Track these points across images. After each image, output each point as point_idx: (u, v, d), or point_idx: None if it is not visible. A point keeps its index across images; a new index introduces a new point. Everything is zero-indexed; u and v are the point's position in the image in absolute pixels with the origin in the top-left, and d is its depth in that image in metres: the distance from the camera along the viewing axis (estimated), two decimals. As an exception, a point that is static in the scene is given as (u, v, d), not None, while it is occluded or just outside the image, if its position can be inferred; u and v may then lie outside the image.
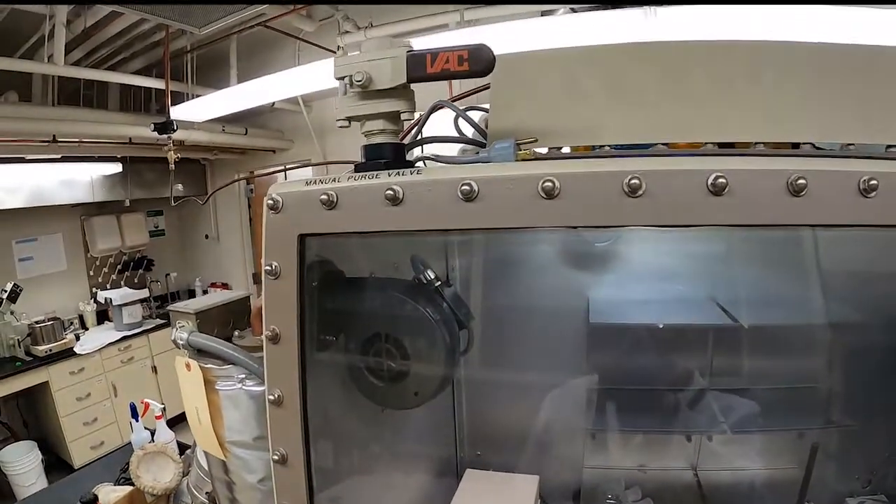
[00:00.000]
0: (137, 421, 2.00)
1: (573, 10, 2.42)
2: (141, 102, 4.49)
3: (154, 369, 4.70)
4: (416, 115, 0.80)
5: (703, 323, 1.05)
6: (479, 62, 0.63)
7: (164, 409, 2.05)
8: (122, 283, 5.13)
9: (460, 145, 0.95)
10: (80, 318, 4.79)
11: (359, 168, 0.71)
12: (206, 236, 5.79)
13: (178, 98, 3.82)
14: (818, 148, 0.75)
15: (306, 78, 2.95)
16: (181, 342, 0.92)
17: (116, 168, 4.74)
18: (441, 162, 0.79)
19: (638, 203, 0.53)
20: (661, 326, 1.02)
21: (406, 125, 0.77)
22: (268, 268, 0.68)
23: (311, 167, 4.48)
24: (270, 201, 0.68)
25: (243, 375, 0.91)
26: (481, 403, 1.17)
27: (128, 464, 1.72)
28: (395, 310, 0.87)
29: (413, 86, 0.69)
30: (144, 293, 4.83)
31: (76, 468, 3.96)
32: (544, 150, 0.76)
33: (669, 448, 1.14)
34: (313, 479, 0.75)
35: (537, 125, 0.75)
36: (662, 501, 1.10)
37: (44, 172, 4.24)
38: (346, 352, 0.86)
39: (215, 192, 5.14)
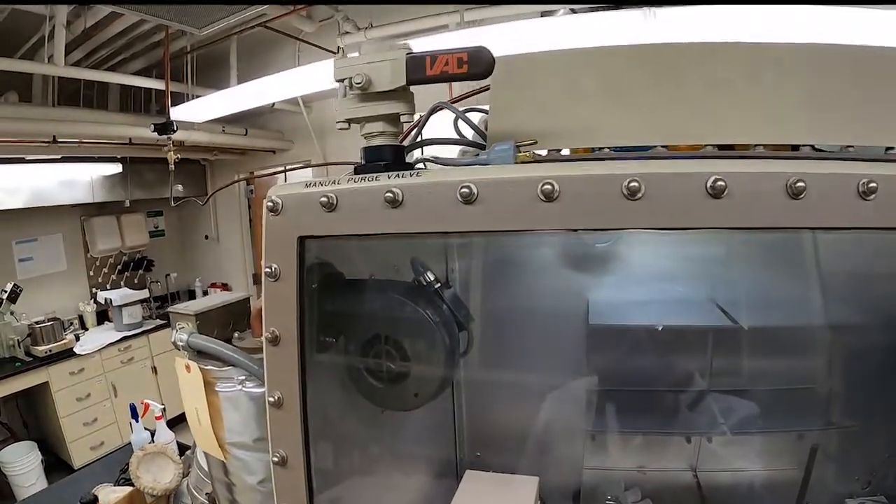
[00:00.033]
0: (137, 421, 2.00)
1: (573, 11, 2.42)
2: (141, 103, 4.49)
3: (154, 370, 4.70)
4: (416, 117, 0.80)
5: (702, 324, 1.05)
6: (478, 64, 0.64)
7: (164, 409, 2.05)
8: (122, 283, 5.13)
9: (460, 147, 0.95)
10: (80, 318, 4.79)
11: (359, 170, 0.71)
12: (206, 237, 5.79)
13: (178, 99, 3.82)
14: (818, 150, 0.75)
15: (306, 79, 2.95)
16: (181, 344, 0.92)
17: (116, 168, 4.75)
18: (440, 164, 0.79)
19: (637, 206, 0.53)
20: (660, 329, 1.02)
21: (406, 127, 0.78)
22: (267, 270, 0.68)
23: (311, 168, 4.48)
24: (270, 203, 0.68)
25: (243, 377, 0.91)
26: (481, 404, 1.17)
27: (128, 464, 1.72)
28: (395, 311, 0.87)
29: (413, 87, 0.69)
30: (144, 294, 4.84)
31: (76, 468, 3.96)
32: (544, 152, 0.76)
33: (669, 449, 1.14)
34: (313, 481, 0.75)
35: (537, 127, 0.75)
36: (662, 502, 1.10)
37: (44, 173, 4.25)
38: (345, 353, 0.86)
39: (215, 193, 5.14)
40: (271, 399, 0.71)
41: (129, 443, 1.98)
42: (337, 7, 3.40)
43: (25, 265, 4.45)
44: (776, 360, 1.05)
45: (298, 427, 0.71)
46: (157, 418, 2.01)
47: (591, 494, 1.11)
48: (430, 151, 0.86)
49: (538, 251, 1.04)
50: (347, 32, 3.46)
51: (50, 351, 4.02)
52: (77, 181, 4.53)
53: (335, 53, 3.58)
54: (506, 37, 2.23)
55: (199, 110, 3.62)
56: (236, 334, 1.03)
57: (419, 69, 0.66)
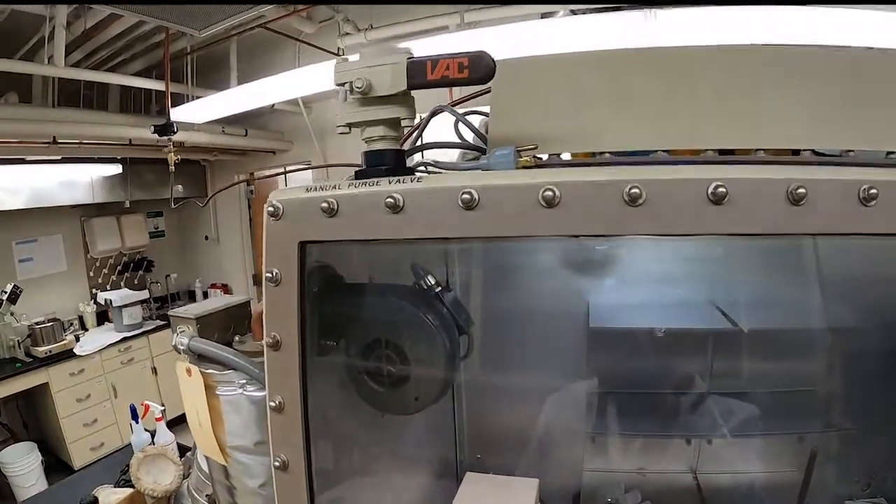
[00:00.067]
0: (138, 423, 2.00)
1: (573, 13, 2.42)
2: (141, 104, 4.48)
3: (154, 370, 4.70)
4: (417, 119, 0.80)
5: (702, 327, 1.06)
6: (479, 69, 0.64)
7: (164, 410, 2.05)
8: (122, 284, 5.13)
9: (461, 150, 0.95)
10: (80, 319, 4.79)
11: (359, 175, 0.71)
12: (206, 237, 5.79)
13: (179, 99, 3.82)
14: (818, 153, 0.75)
15: (306, 80, 2.95)
16: (182, 347, 0.92)
17: (116, 169, 4.75)
18: (441, 168, 0.79)
19: (638, 212, 0.53)
20: (661, 335, 1.02)
21: (406, 130, 0.78)
22: (268, 275, 0.68)
23: (311, 170, 4.49)
24: (271, 208, 0.68)
25: (244, 381, 0.91)
26: (481, 407, 1.17)
27: (128, 466, 1.72)
28: (396, 315, 0.87)
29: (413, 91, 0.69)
30: (144, 294, 4.84)
31: (76, 469, 3.96)
32: (544, 157, 0.76)
33: (669, 451, 1.14)
34: (314, 485, 0.75)
35: (538, 131, 0.75)
36: (662, 505, 1.10)
37: (44, 174, 4.25)
38: (346, 358, 0.86)
39: (215, 195, 5.13)
40: (272, 404, 0.71)
41: (130, 444, 1.98)
42: (337, 8, 3.40)
43: (25, 266, 4.45)
44: (776, 362, 1.05)
45: (300, 431, 0.71)
46: (158, 420, 2.01)
47: (591, 496, 1.11)
48: (430, 155, 0.86)
49: (538, 254, 1.04)
50: (347, 33, 3.46)
51: (50, 352, 4.02)
52: (77, 182, 4.53)
53: (335, 54, 3.58)
54: (506, 38, 2.23)
55: (199, 111, 3.62)
56: (237, 338, 1.03)
57: (420, 74, 0.66)
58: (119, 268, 5.19)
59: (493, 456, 1.15)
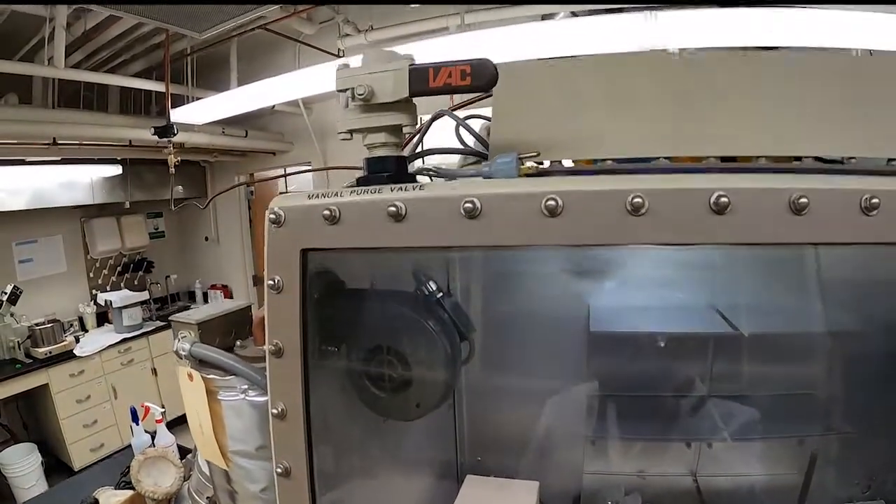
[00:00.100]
0: (138, 425, 2.00)
1: (574, 14, 2.42)
2: (141, 104, 4.49)
3: (154, 371, 4.71)
4: (418, 122, 0.80)
5: (703, 331, 1.06)
6: (481, 77, 0.64)
7: (165, 412, 2.06)
8: (122, 284, 5.13)
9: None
10: (80, 320, 4.79)
11: (361, 181, 0.71)
12: (206, 238, 5.79)
13: (179, 100, 3.82)
14: (820, 160, 0.75)
15: (307, 81, 2.94)
16: (184, 353, 0.92)
17: (116, 170, 4.75)
18: (443, 174, 0.79)
19: (641, 222, 0.53)
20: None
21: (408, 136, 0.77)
22: (270, 282, 0.68)
23: (311, 172, 4.48)
24: (273, 215, 0.68)
25: (246, 386, 0.91)
26: (482, 410, 1.17)
27: (128, 468, 1.72)
28: (397, 322, 0.87)
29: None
30: (144, 295, 4.84)
31: (76, 470, 3.96)
32: (546, 163, 0.76)
33: (669, 454, 1.14)
34: (316, 491, 0.75)
35: (539, 137, 0.75)
36: (662, 507, 1.10)
37: (44, 174, 4.25)
38: (348, 364, 0.86)
39: (215, 197, 5.13)
40: (274, 411, 0.71)
41: (130, 445, 1.99)
42: (337, 9, 3.40)
43: (25, 267, 4.45)
44: (776, 366, 1.05)
45: (302, 438, 0.71)
46: (158, 421, 2.01)
47: (591, 499, 1.11)
48: (431, 159, 0.86)
49: (539, 259, 1.04)
50: (348, 35, 3.46)
51: (50, 353, 4.02)
52: (77, 183, 4.53)
53: (336, 56, 3.58)
54: (506, 40, 2.23)
55: (199, 112, 3.62)
56: (238, 342, 1.03)
57: (422, 81, 0.66)
58: (119, 269, 5.19)
59: (493, 458, 1.16)
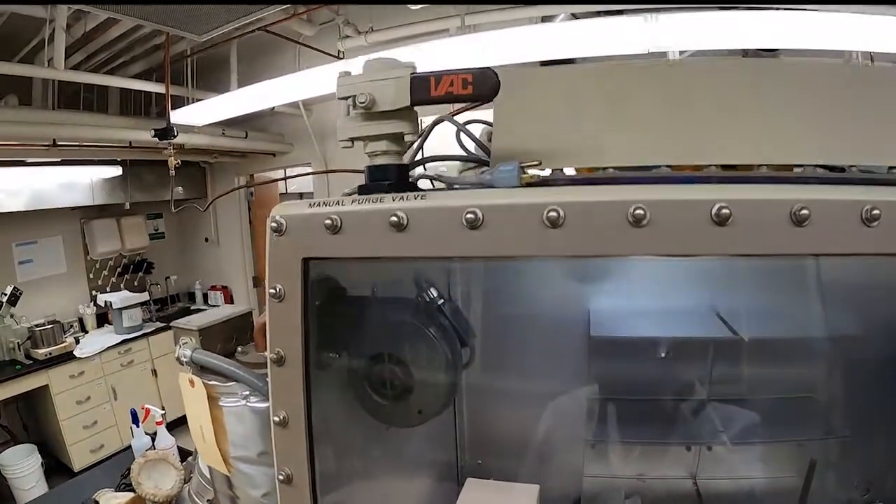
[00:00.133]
0: (138, 427, 2.00)
1: (574, 16, 2.42)
2: (141, 106, 4.48)
3: (154, 372, 4.70)
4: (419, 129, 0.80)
5: (703, 335, 1.06)
6: (483, 86, 0.64)
7: (165, 414, 2.06)
8: (122, 286, 5.12)
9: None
10: (80, 321, 4.78)
11: (362, 190, 0.71)
12: (206, 239, 5.78)
13: (179, 102, 3.81)
14: (820, 167, 0.75)
15: (307, 82, 2.94)
16: (185, 359, 0.92)
17: (116, 171, 4.75)
18: (444, 182, 0.79)
19: (642, 233, 0.53)
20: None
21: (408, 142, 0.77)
22: (272, 290, 0.68)
23: (311, 175, 4.48)
24: (274, 224, 0.68)
25: (247, 392, 0.91)
26: (483, 414, 1.17)
27: (129, 470, 1.72)
28: (398, 329, 0.87)
29: (415, 105, 0.69)
30: (144, 296, 4.83)
31: (76, 471, 3.97)
32: (548, 171, 0.76)
33: (669, 457, 1.14)
34: (318, 498, 0.75)
35: (541, 145, 0.75)
36: (662, 510, 1.11)
37: (44, 176, 4.25)
38: (349, 371, 0.87)
39: (215, 200, 5.13)
40: (276, 418, 0.71)
41: (130, 446, 1.99)
42: (338, 10, 3.40)
43: (25, 268, 4.45)
44: (776, 370, 1.05)
45: (303, 445, 0.72)
46: (158, 423, 2.01)
47: (591, 502, 1.12)
48: (432, 165, 0.86)
49: (540, 266, 1.04)
50: (348, 36, 3.45)
51: (50, 354, 4.02)
52: (77, 184, 4.53)
53: (336, 57, 3.58)
54: (506, 42, 2.23)
55: (199, 114, 3.62)
56: (239, 348, 1.03)
57: (423, 90, 0.66)
58: (119, 270, 5.18)
59: (494, 462, 1.16)
